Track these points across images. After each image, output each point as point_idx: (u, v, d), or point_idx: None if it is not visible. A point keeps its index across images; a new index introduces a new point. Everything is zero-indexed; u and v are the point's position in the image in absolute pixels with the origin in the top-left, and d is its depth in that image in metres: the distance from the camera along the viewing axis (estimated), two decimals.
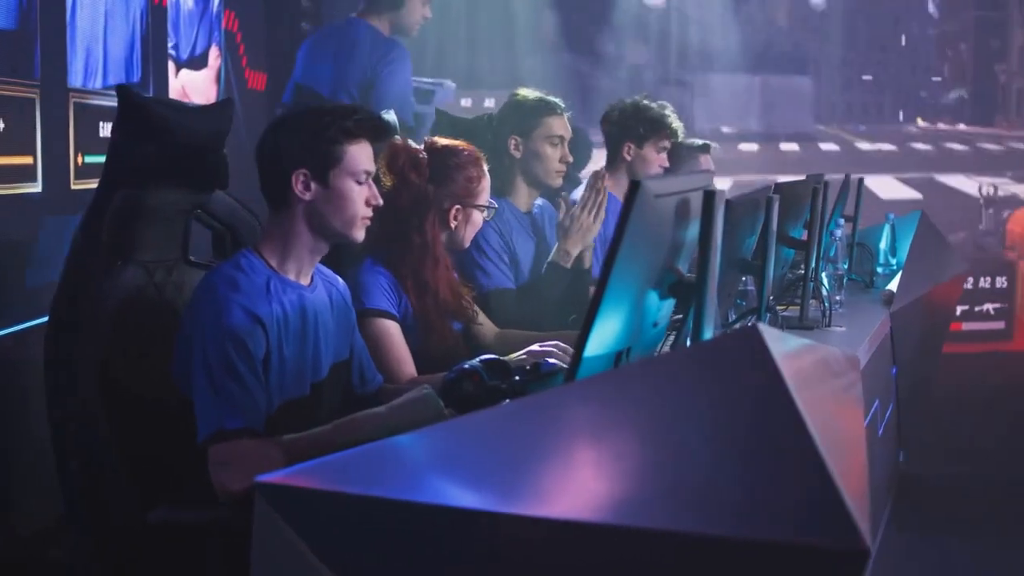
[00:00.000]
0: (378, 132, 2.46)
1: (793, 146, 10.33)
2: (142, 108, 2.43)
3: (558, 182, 3.72)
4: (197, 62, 5.14)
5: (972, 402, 6.30)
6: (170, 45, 4.82)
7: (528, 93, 3.73)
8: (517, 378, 2.27)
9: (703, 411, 1.64)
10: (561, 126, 3.68)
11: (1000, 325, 7.85)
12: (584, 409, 1.69)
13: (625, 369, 1.89)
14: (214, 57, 5.33)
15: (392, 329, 2.83)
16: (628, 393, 1.68)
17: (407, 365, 2.84)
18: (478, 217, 2.98)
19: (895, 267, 4.60)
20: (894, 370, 3.91)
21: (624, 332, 1.98)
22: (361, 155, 2.41)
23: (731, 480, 1.51)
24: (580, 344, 1.85)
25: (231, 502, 2.17)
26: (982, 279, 7.66)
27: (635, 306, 2.01)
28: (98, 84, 4.14)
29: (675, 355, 1.87)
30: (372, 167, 2.44)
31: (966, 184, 9.53)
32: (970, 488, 5.05)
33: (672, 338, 2.46)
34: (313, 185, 2.37)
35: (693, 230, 2.21)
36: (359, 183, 2.40)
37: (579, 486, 1.58)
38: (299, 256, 2.42)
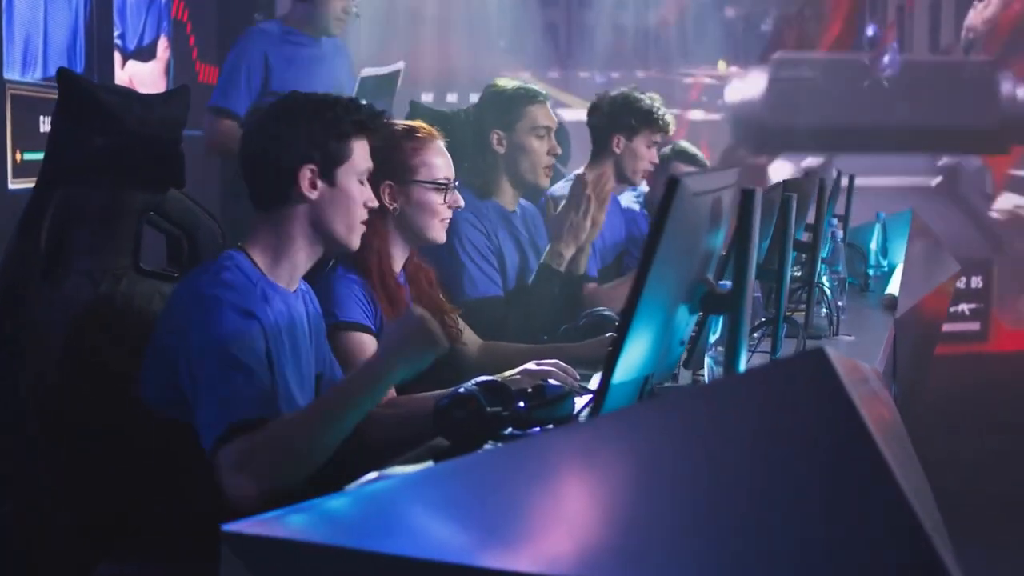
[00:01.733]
0: (378, 129, 2.26)
1: None
2: (86, 94, 2.17)
3: (546, 181, 3.45)
4: (145, 53, 5.00)
5: (947, 407, 6.12)
6: (116, 35, 4.70)
7: (506, 83, 3.47)
8: (521, 404, 1.99)
9: (766, 449, 1.38)
10: (545, 115, 3.40)
11: (975, 326, 7.68)
12: (623, 446, 1.42)
13: (670, 398, 1.62)
14: (163, 48, 5.19)
15: (369, 345, 2.54)
16: (672, 429, 1.42)
17: None
18: (428, 197, 2.65)
19: (886, 268, 4.43)
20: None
21: (653, 353, 1.72)
22: (365, 152, 2.22)
23: (809, 530, 1.28)
24: (608, 368, 1.58)
25: (246, 510, 1.87)
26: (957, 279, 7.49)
27: (666, 323, 1.75)
28: (38, 76, 3.96)
29: (728, 384, 1.60)
30: (371, 166, 2.24)
31: None
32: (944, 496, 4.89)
33: (684, 357, 2.23)
34: (320, 183, 2.15)
35: (721, 235, 1.96)
36: (361, 181, 2.21)
37: (620, 539, 1.32)
38: (293, 261, 2.17)
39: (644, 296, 1.56)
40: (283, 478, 1.88)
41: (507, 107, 3.36)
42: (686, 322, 1.90)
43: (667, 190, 1.57)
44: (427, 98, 6.87)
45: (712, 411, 1.42)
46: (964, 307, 7.59)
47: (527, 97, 3.38)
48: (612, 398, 1.61)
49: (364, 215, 2.20)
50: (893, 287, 3.99)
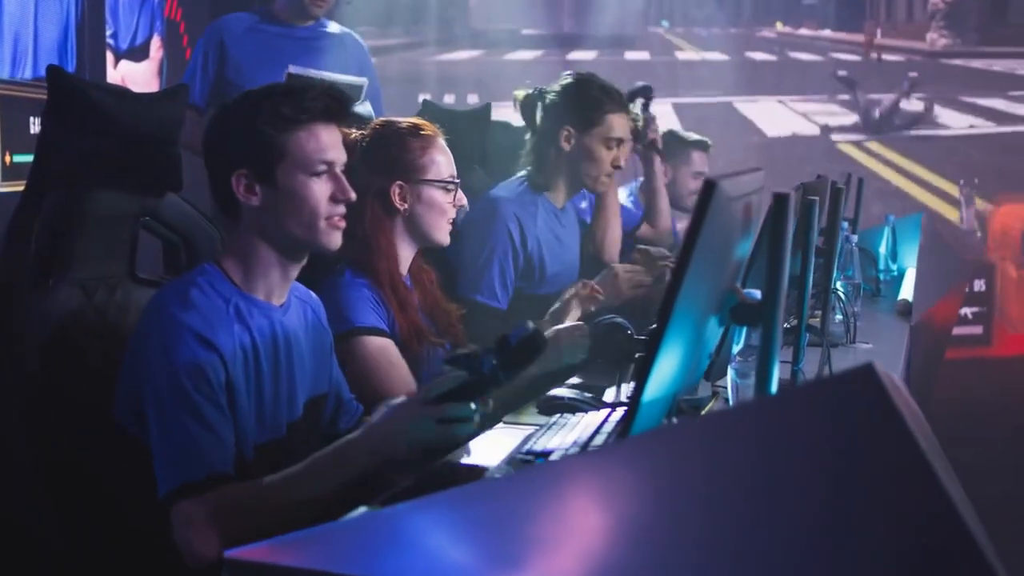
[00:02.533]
0: (332, 110, 2.02)
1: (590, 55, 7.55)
2: (78, 93, 2.05)
3: (603, 190, 3.32)
4: (138, 53, 4.92)
5: (950, 412, 6.02)
6: (108, 34, 4.63)
7: (592, 79, 3.24)
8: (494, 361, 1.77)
9: (819, 471, 1.28)
10: (622, 127, 3.21)
11: (978, 330, 7.58)
12: (661, 469, 1.31)
13: (714, 418, 1.51)
14: (156, 48, 5.12)
15: (389, 348, 2.42)
16: (717, 452, 1.32)
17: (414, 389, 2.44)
18: (437, 197, 2.55)
19: (896, 272, 4.34)
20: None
21: (683, 369, 1.62)
22: (311, 142, 1.98)
23: (866, 551, 1.19)
24: (639, 385, 1.47)
25: (200, 566, 1.78)
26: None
27: (697, 337, 1.64)
28: (28, 75, 3.88)
29: (777, 403, 1.49)
30: (334, 154, 2.02)
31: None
32: None
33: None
34: (258, 187, 1.98)
35: (751, 241, 1.86)
36: (316, 175, 1.99)
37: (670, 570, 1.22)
38: (265, 273, 2.02)
39: (677, 308, 1.46)
40: (239, 540, 1.77)
41: (588, 107, 3.17)
42: (714, 336, 1.80)
43: (703, 193, 1.46)
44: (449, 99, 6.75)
45: (762, 432, 1.32)
46: (967, 311, 7.48)
47: (610, 103, 3.19)
48: (642, 417, 1.51)
49: (332, 209, 2.00)
50: (905, 292, 3.90)
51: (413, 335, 2.49)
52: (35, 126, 3.79)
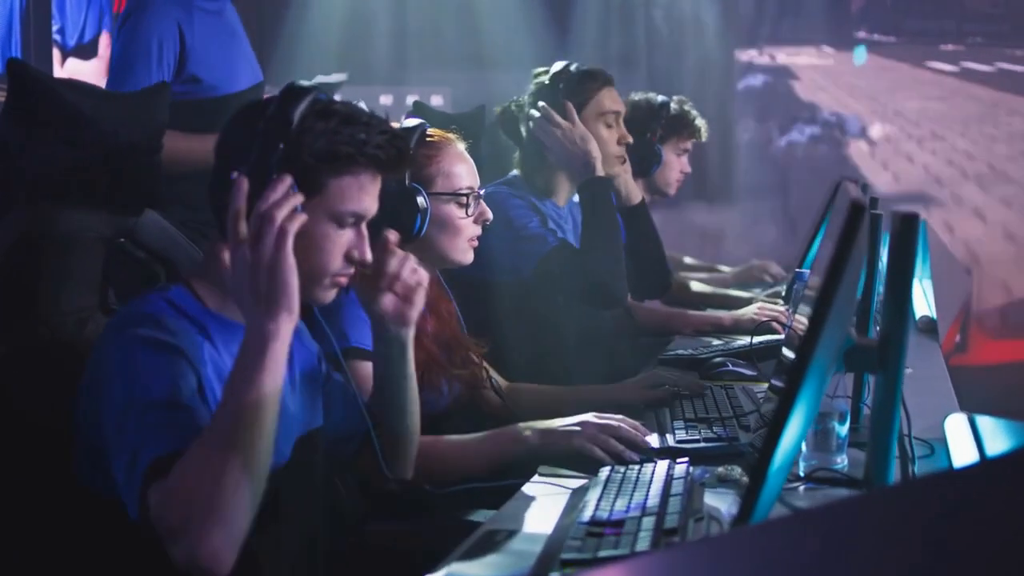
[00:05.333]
0: (390, 162, 1.69)
1: None
2: (46, 92, 1.76)
3: (615, 170, 2.99)
4: (86, 50, 4.65)
5: None
6: (54, 29, 4.42)
7: (565, 67, 2.93)
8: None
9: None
10: (614, 100, 2.96)
11: (955, 339, 7.42)
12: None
13: (875, 499, 1.22)
14: (105, 46, 4.75)
15: None
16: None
17: None
18: (449, 213, 2.23)
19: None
20: None
21: (805, 426, 1.33)
22: (354, 190, 1.66)
23: None
24: (765, 456, 1.18)
25: (185, 549, 1.42)
26: None
27: (822, 386, 1.36)
28: None
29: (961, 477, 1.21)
30: (368, 205, 1.69)
31: None
32: None
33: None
34: None
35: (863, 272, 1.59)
36: (343, 226, 1.67)
37: None
38: None
39: (816, 355, 1.18)
40: (218, 517, 1.44)
41: (570, 91, 2.89)
42: (825, 384, 1.51)
43: (850, 218, 1.18)
44: (385, 100, 6.45)
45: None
46: None
47: (593, 79, 2.94)
48: (770, 492, 1.22)
49: (341, 268, 1.67)
50: (921, 307, 3.65)
51: (426, 365, 2.20)
52: None
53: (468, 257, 2.27)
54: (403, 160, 1.71)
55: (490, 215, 2.30)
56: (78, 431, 1.62)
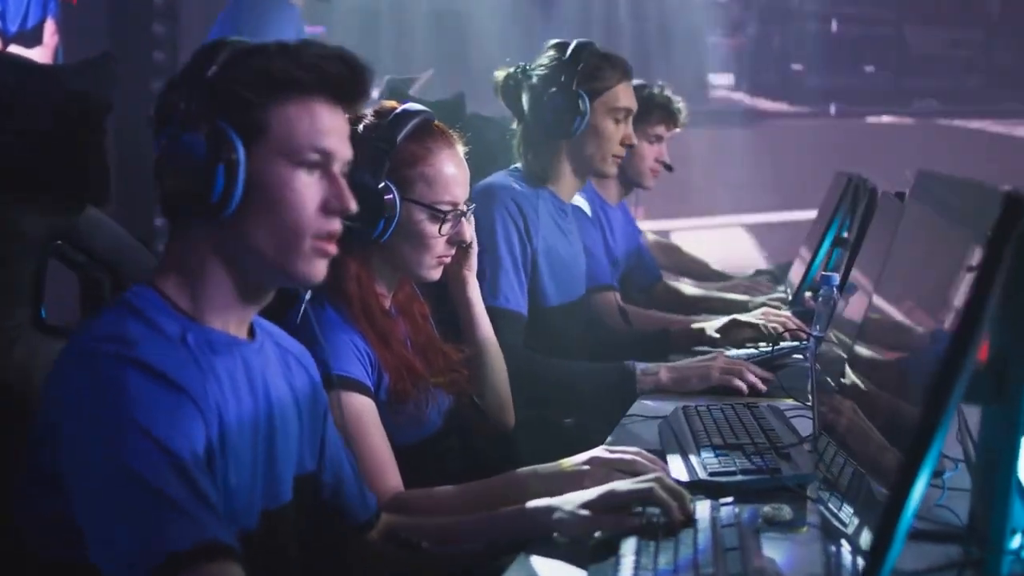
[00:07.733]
0: (343, 83, 1.43)
1: None
2: None
3: (613, 171, 2.84)
4: (29, 37, 4.50)
5: None
6: None
7: (589, 44, 2.76)
8: None
9: None
10: (629, 97, 2.80)
11: None
12: None
13: None
14: (50, 33, 4.65)
15: (366, 413, 1.86)
16: None
17: (389, 471, 1.85)
18: (420, 225, 1.94)
19: None
20: None
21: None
22: (304, 120, 1.41)
23: None
24: (893, 511, 0.91)
25: None
26: None
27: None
28: None
29: None
30: (334, 143, 1.43)
31: None
32: None
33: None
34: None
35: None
36: (305, 166, 1.41)
37: None
38: (219, 302, 1.43)
39: (956, 387, 0.91)
40: None
41: (588, 77, 2.70)
42: None
43: (1005, 215, 0.91)
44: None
45: None
46: None
47: (614, 71, 2.76)
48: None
49: (323, 224, 1.42)
50: None
51: (404, 374, 1.94)
52: None
53: (434, 275, 2.01)
54: (359, 83, 1.45)
55: (469, 237, 2.03)
56: (28, 487, 1.34)
